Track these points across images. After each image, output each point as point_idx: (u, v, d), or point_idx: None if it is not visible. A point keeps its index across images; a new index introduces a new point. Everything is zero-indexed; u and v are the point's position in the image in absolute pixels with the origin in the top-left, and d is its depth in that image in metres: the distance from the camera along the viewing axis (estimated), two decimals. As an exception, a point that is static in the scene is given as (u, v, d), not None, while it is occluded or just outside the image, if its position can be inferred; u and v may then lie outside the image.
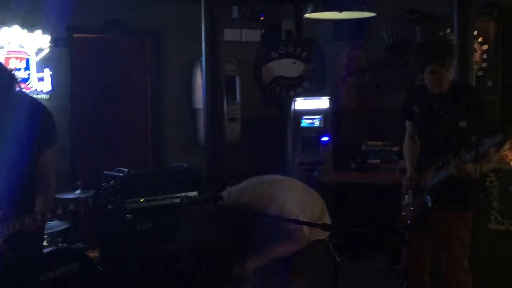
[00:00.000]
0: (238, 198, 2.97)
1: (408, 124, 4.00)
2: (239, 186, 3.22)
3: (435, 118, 3.68)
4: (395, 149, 6.41)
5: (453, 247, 3.71)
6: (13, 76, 3.11)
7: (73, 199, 2.97)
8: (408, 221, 3.85)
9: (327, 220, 3.20)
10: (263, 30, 7.22)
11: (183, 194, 4.90)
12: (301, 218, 2.84)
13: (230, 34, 6.75)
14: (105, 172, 5.08)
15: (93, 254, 5.04)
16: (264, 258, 3.04)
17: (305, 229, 2.90)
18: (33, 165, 3.04)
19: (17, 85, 3.15)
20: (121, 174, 4.88)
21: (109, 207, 2.98)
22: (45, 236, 4.47)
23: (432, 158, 3.71)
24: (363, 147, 6.60)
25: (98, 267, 4.59)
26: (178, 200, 4.92)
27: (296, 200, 3.04)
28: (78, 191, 5.21)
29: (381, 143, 6.53)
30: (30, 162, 3.03)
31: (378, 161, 6.52)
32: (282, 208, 2.96)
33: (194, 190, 5.01)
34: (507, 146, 3.74)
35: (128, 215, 4.80)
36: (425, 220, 3.77)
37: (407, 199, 3.91)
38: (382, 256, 6.23)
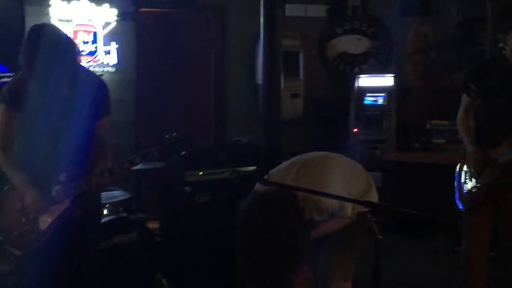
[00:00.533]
0: (281, 180, 2.96)
1: (465, 99, 3.84)
2: (283, 166, 3.21)
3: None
4: (461, 129, 6.25)
5: None
6: (77, 49, 3.21)
7: (139, 154, 3.04)
8: (472, 200, 3.73)
9: (374, 196, 3.16)
10: (328, 6, 7.14)
11: (241, 169, 4.93)
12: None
13: (294, 9, 6.72)
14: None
15: (154, 225, 5.14)
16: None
17: (348, 208, 2.88)
18: (91, 132, 3.17)
19: (78, 58, 3.25)
20: (182, 147, 4.94)
21: (172, 156, 3.01)
22: (107, 205, 4.60)
23: (499, 134, 3.59)
24: (428, 126, 6.48)
25: (156, 237, 4.68)
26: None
27: (341, 181, 3.01)
28: (141, 163, 5.32)
29: (447, 122, 6.38)
30: (88, 129, 3.17)
31: (443, 141, 6.39)
32: (326, 190, 2.93)
33: (252, 165, 5.03)
34: None
35: (186, 187, 4.86)
36: (491, 198, 3.64)
37: (467, 176, 3.80)
38: (443, 237, 6.14)
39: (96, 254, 3.37)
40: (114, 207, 4.66)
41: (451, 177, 6.21)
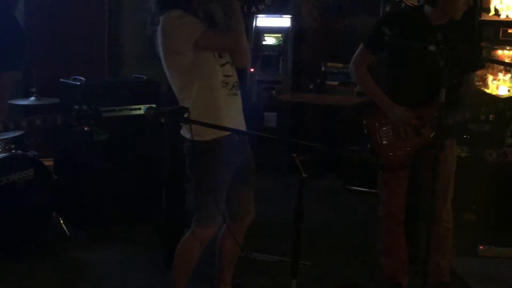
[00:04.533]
0: None
1: (367, 51, 3.55)
2: None
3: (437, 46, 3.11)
4: (355, 71, 6.43)
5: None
6: None
7: (40, 116, 2.88)
8: (401, 161, 3.56)
9: None
10: None
11: (142, 106, 4.85)
12: None
13: None
14: (61, 79, 4.96)
15: (47, 162, 4.96)
16: None
17: None
18: None
19: None
20: (78, 83, 4.78)
21: (77, 129, 2.91)
22: (-1, 143, 4.40)
23: (424, 91, 3.40)
24: (323, 68, 6.61)
25: (53, 175, 4.53)
26: (137, 112, 4.88)
27: None
28: (32, 98, 5.10)
29: (341, 65, 6.53)
30: None
31: (336, 83, 6.55)
32: None
33: (153, 103, 4.95)
34: None
35: (84, 124, 4.71)
36: (421, 155, 3.52)
37: (387, 136, 3.58)
38: (334, 176, 6.38)
39: None
40: (6, 144, 4.45)
41: (344, 117, 6.45)
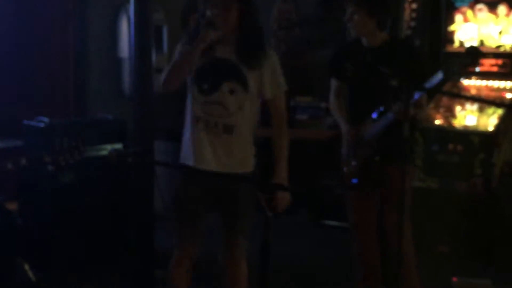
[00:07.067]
0: None
1: (334, 82, 3.95)
2: None
3: (371, 72, 3.60)
4: (323, 105, 6.42)
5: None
6: None
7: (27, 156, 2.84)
8: (352, 180, 3.79)
9: None
10: (192, -22, 7.02)
11: (109, 146, 4.75)
12: None
13: (158, -19, 6.53)
14: (24, 121, 4.85)
15: (11, 206, 4.84)
16: None
17: None
18: None
19: None
20: (42, 125, 4.68)
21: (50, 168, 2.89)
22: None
23: (366, 112, 3.67)
24: (292, 103, 6.59)
25: (17, 219, 4.41)
26: (103, 152, 4.78)
27: None
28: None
29: (309, 99, 6.52)
30: None
31: (306, 117, 6.52)
32: None
33: (119, 142, 4.87)
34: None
35: (49, 166, 4.60)
36: (369, 174, 3.71)
37: (345, 154, 3.85)
38: (306, 211, 6.31)
39: None
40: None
41: (314, 152, 6.42)
